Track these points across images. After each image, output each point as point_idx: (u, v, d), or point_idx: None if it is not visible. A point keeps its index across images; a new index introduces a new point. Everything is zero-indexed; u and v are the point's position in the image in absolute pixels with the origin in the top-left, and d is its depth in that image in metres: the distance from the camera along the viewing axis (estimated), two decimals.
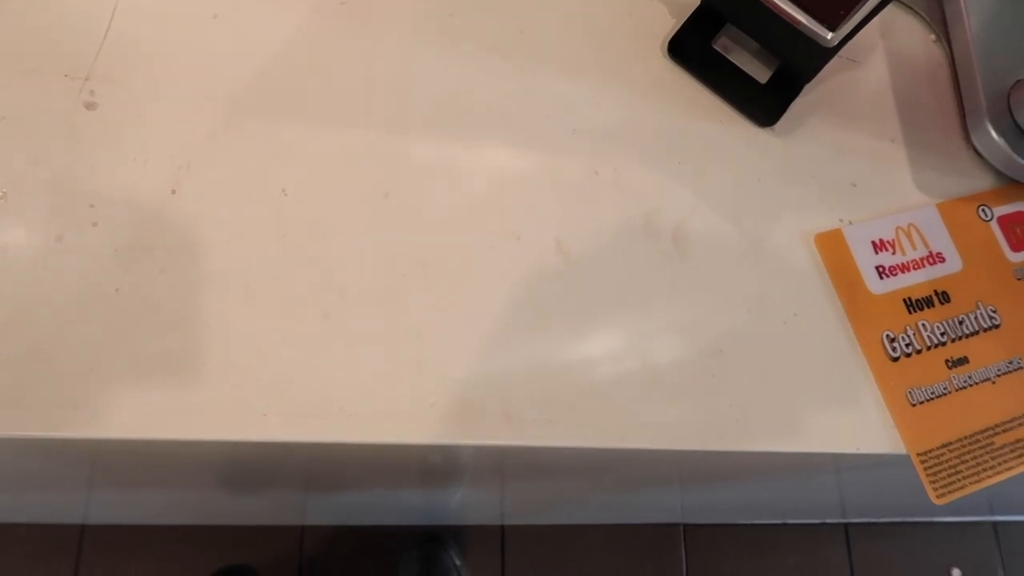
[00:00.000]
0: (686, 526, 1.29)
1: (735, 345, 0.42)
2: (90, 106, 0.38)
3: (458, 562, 1.16)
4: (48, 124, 0.38)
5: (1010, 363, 0.45)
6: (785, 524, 1.34)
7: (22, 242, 0.36)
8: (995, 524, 1.42)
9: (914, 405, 0.43)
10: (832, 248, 0.45)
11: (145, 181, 0.38)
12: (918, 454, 0.42)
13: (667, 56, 0.47)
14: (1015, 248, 0.48)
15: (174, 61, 0.40)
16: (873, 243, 0.46)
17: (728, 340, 0.42)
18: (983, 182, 0.50)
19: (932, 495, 0.42)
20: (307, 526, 1.16)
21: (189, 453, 0.44)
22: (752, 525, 1.32)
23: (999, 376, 0.45)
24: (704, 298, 0.43)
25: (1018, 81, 0.49)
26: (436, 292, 0.39)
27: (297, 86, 0.41)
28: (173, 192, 0.38)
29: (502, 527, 1.22)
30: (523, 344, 0.40)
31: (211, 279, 0.37)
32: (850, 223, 0.46)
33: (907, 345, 0.44)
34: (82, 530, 1.09)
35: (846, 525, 1.37)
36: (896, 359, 0.44)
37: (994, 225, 0.49)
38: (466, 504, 1.12)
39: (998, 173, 0.50)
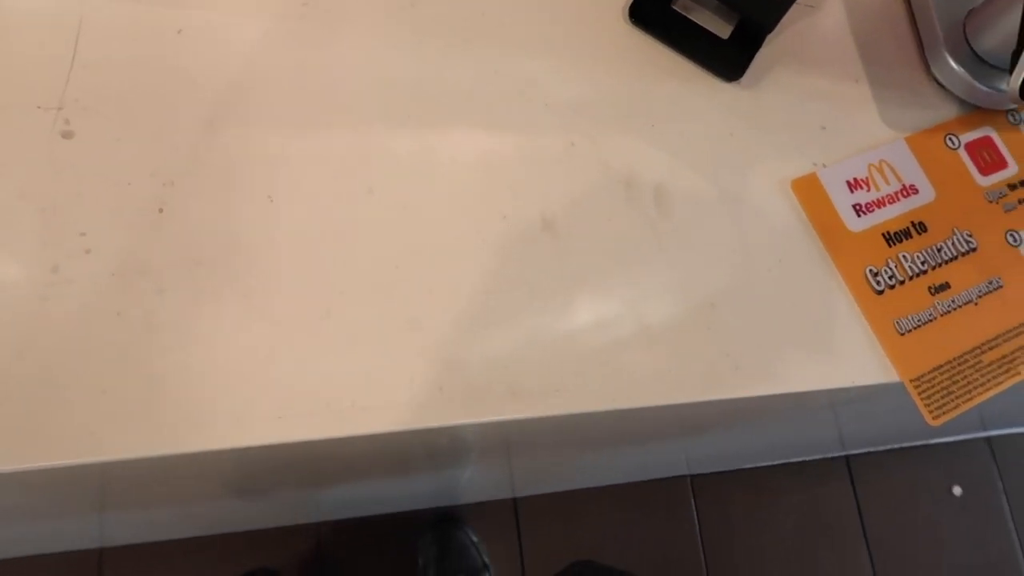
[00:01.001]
0: (693, 477, 1.32)
1: (725, 297, 0.43)
2: (67, 135, 0.39)
3: (475, 539, 1.18)
4: (28, 157, 0.38)
5: (989, 283, 0.47)
6: (788, 464, 1.37)
7: (18, 276, 0.36)
8: (989, 439, 1.46)
9: (902, 334, 0.45)
10: (809, 192, 0.47)
11: (132, 203, 0.38)
12: (911, 380, 0.44)
13: (628, 22, 0.48)
14: (984, 172, 0.50)
15: (144, 80, 0.40)
16: (848, 183, 0.47)
17: (718, 293, 0.43)
18: (947, 112, 0.51)
19: (928, 418, 0.44)
20: (323, 522, 1.17)
21: (206, 463, 0.45)
22: (757, 468, 1.35)
23: (980, 297, 0.47)
24: (691, 255, 0.44)
25: (972, 10, 0.50)
26: (431, 279, 0.40)
27: (269, 93, 0.41)
28: (160, 211, 0.38)
29: (514, 500, 1.24)
30: (521, 320, 0.40)
31: (209, 292, 0.38)
32: (823, 166, 0.47)
33: (890, 277, 0.46)
34: (100, 553, 1.10)
35: (847, 457, 1.40)
36: (881, 292, 0.45)
37: (962, 152, 0.50)
38: (477, 481, 1.14)
39: (961, 102, 0.51)
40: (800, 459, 1.38)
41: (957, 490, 1.42)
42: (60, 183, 0.38)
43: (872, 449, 1.41)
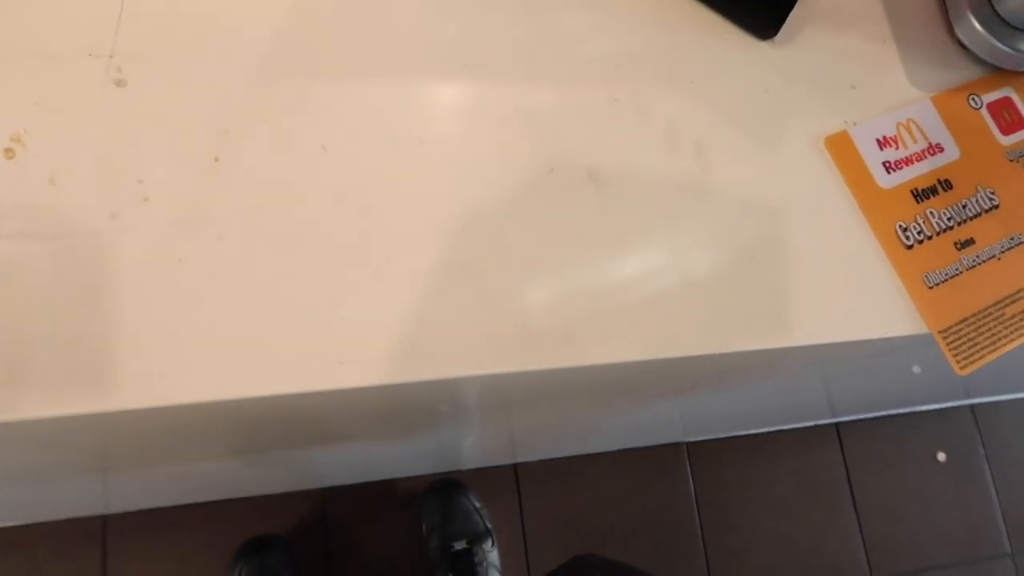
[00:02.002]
0: (688, 444, 1.35)
1: (765, 250, 0.45)
2: (120, 83, 0.38)
3: (477, 504, 1.19)
4: (82, 106, 0.38)
5: (1011, 239, 0.49)
6: (780, 431, 1.40)
7: (79, 225, 0.36)
8: (972, 407, 1.51)
9: (931, 288, 0.46)
10: (841, 149, 0.48)
11: (187, 151, 0.38)
12: (940, 332, 0.46)
13: None
14: (1005, 132, 0.51)
15: (193, 28, 0.40)
16: (877, 140, 0.49)
17: (757, 245, 0.45)
18: (970, 72, 0.52)
19: (956, 367, 0.45)
20: (327, 488, 1.18)
21: (235, 415, 0.45)
22: (750, 435, 1.38)
23: (1003, 252, 0.48)
24: (731, 208, 0.45)
25: None
26: (485, 229, 0.41)
27: (319, 42, 0.42)
28: (216, 159, 0.38)
29: (515, 465, 1.25)
30: (571, 270, 0.41)
31: (268, 239, 0.38)
32: (854, 124, 0.49)
33: (919, 233, 0.47)
34: (104, 520, 1.10)
35: (836, 424, 1.43)
36: (910, 247, 0.47)
37: (984, 112, 0.51)
38: (479, 448, 1.15)
39: (983, 62, 0.52)
40: (792, 426, 1.41)
41: (941, 456, 1.47)
42: (115, 132, 0.38)
43: (861, 416, 1.44)
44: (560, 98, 0.44)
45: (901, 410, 1.48)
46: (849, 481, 1.41)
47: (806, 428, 1.42)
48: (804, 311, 0.44)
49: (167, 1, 0.40)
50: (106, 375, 0.35)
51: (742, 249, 0.44)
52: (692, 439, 1.35)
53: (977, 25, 0.51)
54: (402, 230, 0.40)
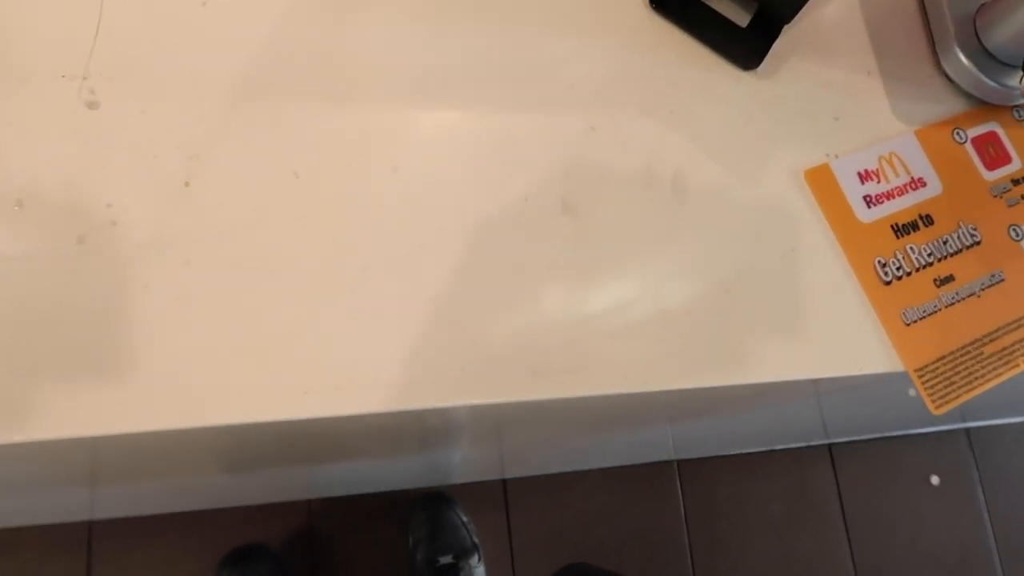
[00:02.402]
0: (680, 462, 1.34)
1: (740, 283, 0.44)
2: (92, 105, 0.38)
3: (465, 518, 1.19)
4: (54, 127, 0.38)
5: (992, 276, 0.48)
6: (773, 451, 1.39)
7: (45, 247, 0.36)
8: (967, 430, 1.50)
9: (908, 324, 0.46)
10: (821, 182, 0.47)
11: (158, 175, 0.38)
12: (915, 370, 0.45)
13: (649, 7, 0.48)
14: (989, 167, 0.51)
15: (169, 51, 0.40)
16: (859, 174, 0.48)
17: (733, 279, 0.44)
18: (955, 106, 0.52)
19: (931, 406, 0.45)
20: (314, 499, 1.17)
21: (211, 438, 0.45)
22: (742, 455, 1.37)
23: (983, 290, 0.48)
24: (707, 240, 0.45)
25: (983, 5, 0.51)
26: (454, 258, 0.41)
27: (296, 68, 0.41)
28: (187, 184, 0.38)
29: (504, 481, 1.25)
30: (542, 300, 0.41)
31: (236, 265, 0.38)
32: (836, 157, 0.48)
33: (898, 269, 0.47)
34: (90, 526, 1.10)
35: (829, 445, 1.43)
36: (888, 283, 0.46)
37: (968, 147, 0.51)
38: (468, 463, 1.15)
39: (969, 96, 0.52)
40: (784, 446, 1.40)
41: (935, 479, 1.46)
42: (85, 154, 0.38)
43: (855, 438, 1.43)
44: (537, 125, 0.44)
45: (896, 432, 1.47)
46: (841, 502, 1.40)
47: (799, 448, 1.41)
48: (778, 346, 0.44)
49: (143, 23, 0.40)
50: (61, 401, 0.34)
51: (717, 282, 0.44)
52: (683, 457, 1.35)
53: (964, 59, 0.50)
54: (370, 259, 0.39)
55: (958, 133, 0.51)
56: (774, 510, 1.37)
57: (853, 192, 0.48)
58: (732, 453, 1.37)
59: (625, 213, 0.44)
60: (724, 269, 0.44)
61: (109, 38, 0.39)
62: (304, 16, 0.42)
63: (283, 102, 0.41)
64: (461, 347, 0.39)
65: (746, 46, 0.48)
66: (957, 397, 0.46)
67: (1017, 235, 0.50)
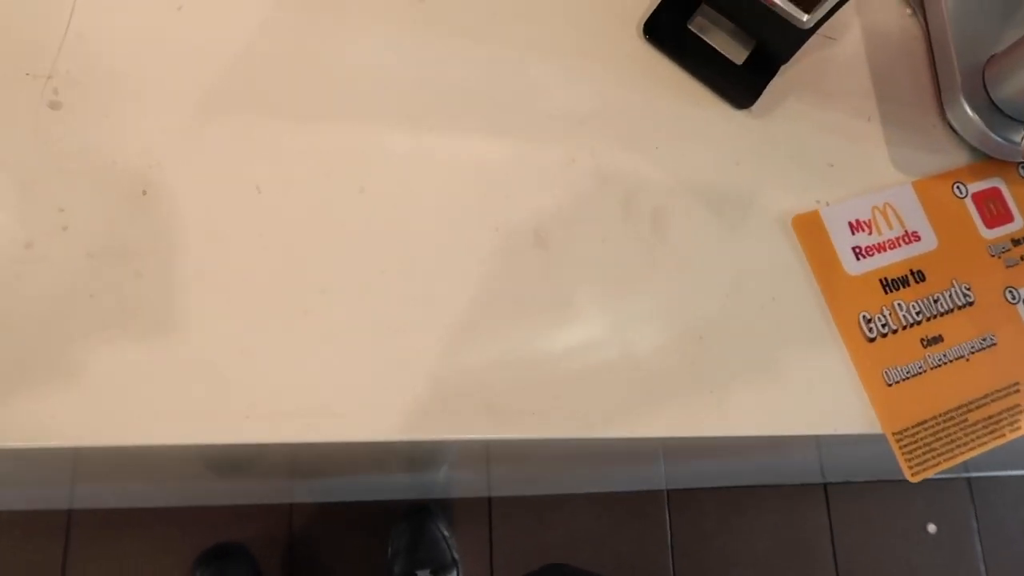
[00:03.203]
0: (669, 491, 1.32)
1: (714, 330, 0.43)
2: (54, 106, 0.37)
3: (446, 532, 1.17)
4: (12, 125, 0.37)
5: (983, 340, 0.46)
6: (766, 486, 1.36)
7: None
8: (969, 480, 1.46)
9: (890, 385, 0.44)
10: (809, 230, 0.46)
11: (115, 182, 0.37)
12: (893, 433, 0.43)
13: (643, 37, 0.46)
14: (989, 225, 0.49)
15: (139, 56, 0.39)
16: (850, 224, 0.46)
17: (707, 325, 0.42)
18: (958, 158, 0.50)
19: (907, 473, 0.43)
20: (295, 503, 1.16)
21: (174, 451, 0.44)
22: (733, 488, 1.35)
23: (972, 353, 0.46)
24: (684, 283, 0.43)
25: (993, 56, 0.49)
26: (415, 286, 0.39)
27: (266, 79, 0.40)
28: (144, 193, 0.37)
29: (489, 499, 1.23)
30: (504, 336, 0.40)
31: (187, 280, 0.37)
32: (827, 204, 0.46)
33: (883, 325, 0.45)
34: (69, 514, 1.09)
35: (825, 485, 1.40)
36: (872, 340, 0.45)
37: (968, 202, 0.49)
38: (453, 479, 1.14)
39: (972, 149, 0.50)
40: (778, 482, 1.37)
41: (932, 528, 1.42)
42: (42, 155, 0.37)
43: (851, 479, 1.40)
44: (515, 153, 0.43)
45: (895, 477, 1.44)
46: (833, 544, 1.37)
47: (793, 485, 1.38)
48: (749, 398, 0.42)
49: (115, 25, 0.39)
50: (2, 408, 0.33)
51: (690, 328, 0.42)
52: (673, 487, 1.32)
53: (970, 111, 0.48)
54: (326, 281, 0.38)
55: (958, 187, 0.49)
56: (763, 546, 1.34)
57: (842, 242, 0.46)
58: (724, 485, 1.35)
59: (600, 250, 0.42)
60: (699, 314, 0.43)
61: (78, 38, 0.39)
62: (280, 27, 0.41)
63: (251, 113, 0.40)
64: (414, 378, 0.38)
65: (741, 83, 0.46)
66: (936, 465, 0.44)
67: (1014, 298, 0.47)
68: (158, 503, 1.11)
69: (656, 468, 1.15)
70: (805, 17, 0.41)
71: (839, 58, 0.50)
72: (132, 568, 1.09)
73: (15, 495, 0.99)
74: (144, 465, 0.67)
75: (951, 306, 0.46)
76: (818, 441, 1.00)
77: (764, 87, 0.47)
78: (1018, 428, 0.45)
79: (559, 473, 1.11)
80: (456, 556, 1.16)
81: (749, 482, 1.35)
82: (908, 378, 0.44)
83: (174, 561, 1.10)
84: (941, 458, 0.44)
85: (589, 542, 1.27)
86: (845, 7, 0.41)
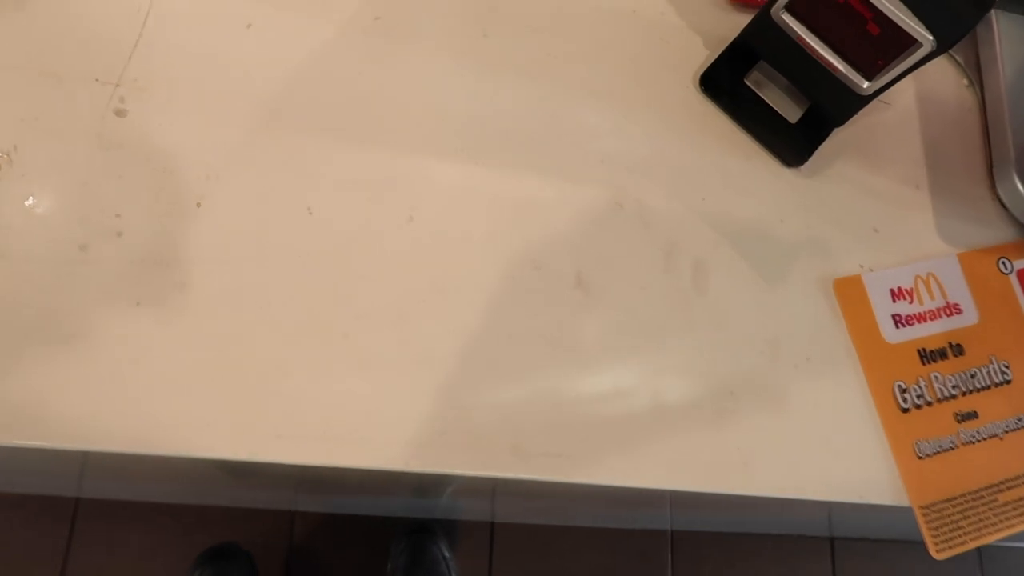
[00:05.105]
0: (674, 532, 1.30)
1: (746, 387, 0.42)
2: (120, 113, 0.38)
3: (447, 554, 1.16)
4: (78, 129, 0.37)
5: (1019, 420, 0.46)
6: (771, 535, 1.35)
7: (47, 250, 0.36)
8: (979, 548, 1.43)
9: (921, 458, 0.43)
10: (850, 294, 0.45)
11: (171, 192, 0.38)
12: (921, 507, 0.43)
13: (699, 89, 0.47)
14: None
15: (206, 70, 0.40)
16: (891, 291, 0.46)
17: (739, 381, 0.42)
18: (1005, 233, 0.50)
19: (932, 550, 0.42)
20: (298, 511, 1.16)
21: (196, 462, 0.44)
22: (739, 534, 1.33)
23: (1007, 433, 0.45)
24: (719, 337, 0.43)
25: None
26: (453, 319, 0.39)
27: (327, 102, 0.41)
28: (198, 205, 0.38)
29: (492, 524, 1.22)
30: (536, 375, 0.40)
31: (230, 295, 0.37)
32: (870, 269, 0.46)
33: (918, 397, 0.45)
34: (76, 502, 1.10)
35: (832, 539, 1.38)
36: (906, 410, 0.44)
37: (1013, 279, 0.48)
38: (457, 502, 1.13)
39: (1021, 225, 0.50)
40: (784, 532, 1.35)
41: None
42: (105, 160, 0.37)
43: (859, 536, 1.38)
44: (562, 194, 0.43)
45: (903, 537, 1.41)
46: None
47: (798, 536, 1.36)
48: (776, 459, 0.41)
49: (184, 38, 0.40)
50: (30, 409, 0.34)
51: (722, 381, 0.42)
52: (678, 528, 1.31)
53: (1021, 186, 0.48)
54: (367, 307, 0.38)
55: (1003, 263, 0.49)
56: None
57: (882, 309, 0.46)
58: (729, 531, 1.33)
59: (638, 297, 0.42)
60: (731, 369, 0.42)
61: (148, 48, 0.39)
62: (344, 52, 0.42)
63: (309, 135, 0.40)
64: (444, 411, 0.38)
65: (792, 142, 0.46)
66: (962, 544, 0.43)
67: None
68: (164, 499, 1.11)
69: (663, 510, 1.14)
70: (866, 84, 0.41)
71: (892, 123, 0.50)
72: (134, 561, 1.10)
73: (29, 480, 1.00)
74: (159, 465, 0.68)
75: (988, 383, 0.46)
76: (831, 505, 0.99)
77: (815, 148, 0.47)
78: None
79: (565, 506, 1.10)
80: None
81: (754, 529, 1.34)
82: (940, 452, 0.44)
83: (175, 557, 1.10)
84: (968, 537, 0.43)
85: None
86: None
